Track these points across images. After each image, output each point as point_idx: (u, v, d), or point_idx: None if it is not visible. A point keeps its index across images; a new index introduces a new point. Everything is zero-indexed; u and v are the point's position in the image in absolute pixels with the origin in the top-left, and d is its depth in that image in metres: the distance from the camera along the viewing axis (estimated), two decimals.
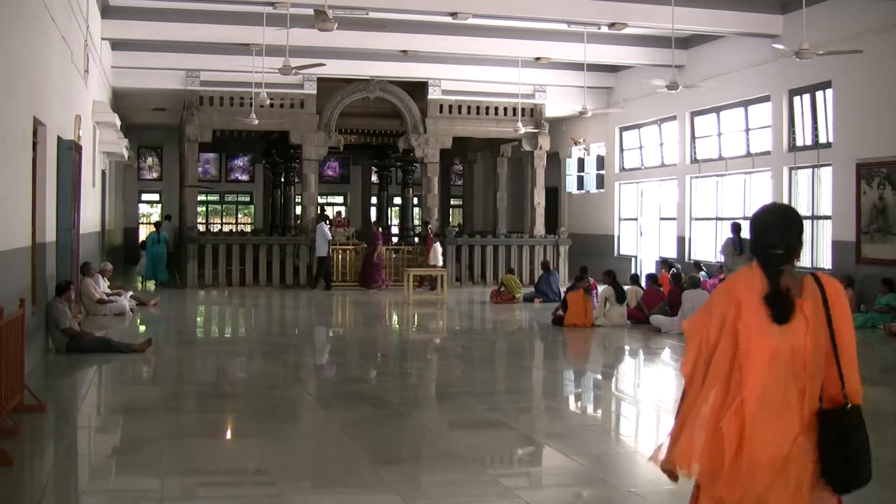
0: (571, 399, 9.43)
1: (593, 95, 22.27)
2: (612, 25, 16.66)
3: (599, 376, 10.70)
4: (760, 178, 18.27)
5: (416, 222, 27.77)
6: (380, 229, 21.37)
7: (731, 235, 15.13)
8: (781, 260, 3.03)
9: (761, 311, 2.97)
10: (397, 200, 29.75)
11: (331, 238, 20.17)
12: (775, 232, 3.07)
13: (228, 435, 7.40)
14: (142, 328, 13.78)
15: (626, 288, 14.72)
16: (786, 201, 17.10)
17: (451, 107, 22.37)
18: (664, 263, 19.14)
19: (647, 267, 21.43)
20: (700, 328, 3.10)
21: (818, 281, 3.01)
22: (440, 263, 19.90)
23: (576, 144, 25.29)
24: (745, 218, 19.19)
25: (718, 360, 3.02)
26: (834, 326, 2.95)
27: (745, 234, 14.99)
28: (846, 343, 2.96)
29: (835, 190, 15.92)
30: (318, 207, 22.93)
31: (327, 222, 21.11)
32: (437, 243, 20.41)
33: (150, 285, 20.78)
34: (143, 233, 28.30)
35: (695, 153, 20.35)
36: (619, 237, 23.75)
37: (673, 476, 3.14)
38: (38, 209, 10.19)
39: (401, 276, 19.93)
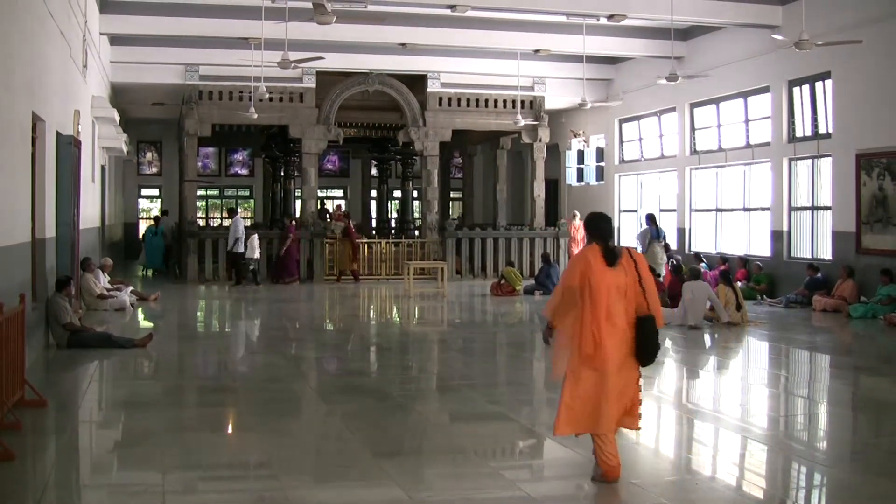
0: None
1: (593, 87, 22.23)
2: (611, 17, 16.61)
3: None
4: (760, 168, 18.23)
5: (416, 215, 27.76)
6: (292, 222, 21.06)
7: (647, 225, 17.85)
8: (610, 238, 5.53)
9: (602, 265, 5.39)
10: (397, 193, 29.71)
11: (239, 236, 19.58)
12: (604, 226, 5.56)
13: (230, 429, 7.41)
14: (143, 323, 13.80)
15: None
16: (786, 192, 17.18)
17: (450, 99, 22.33)
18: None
19: None
20: (566, 280, 5.50)
21: (629, 251, 5.55)
22: (257, 255, 19.58)
23: (575, 136, 25.25)
24: (672, 210, 19.43)
25: (579, 294, 5.38)
26: (640, 274, 5.45)
27: (660, 223, 18.67)
28: (648, 281, 5.47)
29: (835, 181, 15.89)
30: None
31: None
32: (255, 235, 19.82)
33: (149, 273, 22.39)
34: (143, 228, 28.38)
35: (694, 144, 20.33)
36: (619, 229, 23.71)
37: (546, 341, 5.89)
38: (38, 205, 10.19)
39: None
